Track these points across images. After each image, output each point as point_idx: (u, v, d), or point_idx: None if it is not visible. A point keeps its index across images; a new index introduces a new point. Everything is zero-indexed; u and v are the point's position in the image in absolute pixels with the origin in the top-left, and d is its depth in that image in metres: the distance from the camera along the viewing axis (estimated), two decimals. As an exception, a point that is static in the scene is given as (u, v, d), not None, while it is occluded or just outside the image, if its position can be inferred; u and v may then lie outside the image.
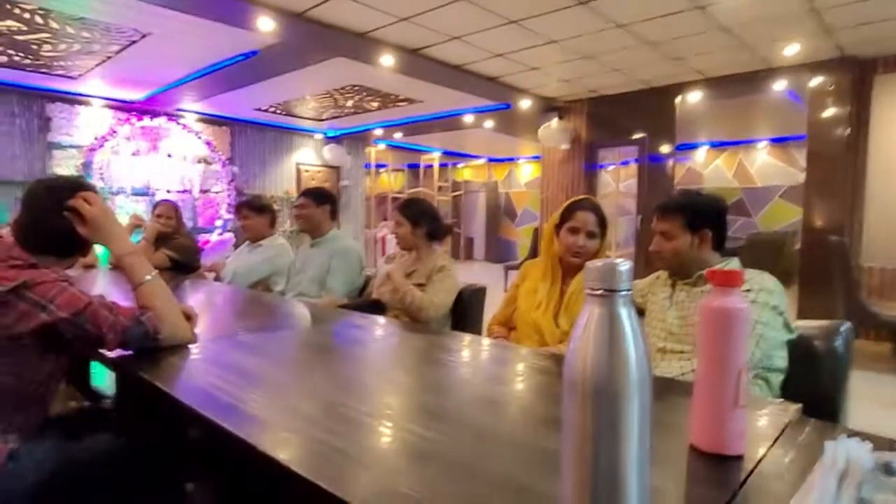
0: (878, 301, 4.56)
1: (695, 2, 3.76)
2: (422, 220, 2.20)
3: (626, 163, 8.21)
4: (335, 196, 2.93)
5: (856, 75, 4.95)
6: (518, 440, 0.88)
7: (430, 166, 11.76)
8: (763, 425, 0.93)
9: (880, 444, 0.71)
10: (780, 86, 5.45)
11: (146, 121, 7.03)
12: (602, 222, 1.77)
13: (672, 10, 3.89)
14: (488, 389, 1.21)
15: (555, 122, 6.51)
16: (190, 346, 1.35)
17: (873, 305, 4.44)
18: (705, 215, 1.59)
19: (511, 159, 12.25)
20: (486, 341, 1.71)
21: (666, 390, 1.16)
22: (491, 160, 12.55)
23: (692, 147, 9.68)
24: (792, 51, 4.75)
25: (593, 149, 6.62)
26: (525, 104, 6.33)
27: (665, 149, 6.46)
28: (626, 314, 0.53)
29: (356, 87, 6.19)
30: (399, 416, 0.97)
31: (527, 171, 12.13)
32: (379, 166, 11.48)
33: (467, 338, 1.67)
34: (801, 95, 5.56)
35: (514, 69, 5.34)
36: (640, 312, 1.74)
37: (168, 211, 3.24)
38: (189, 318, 1.38)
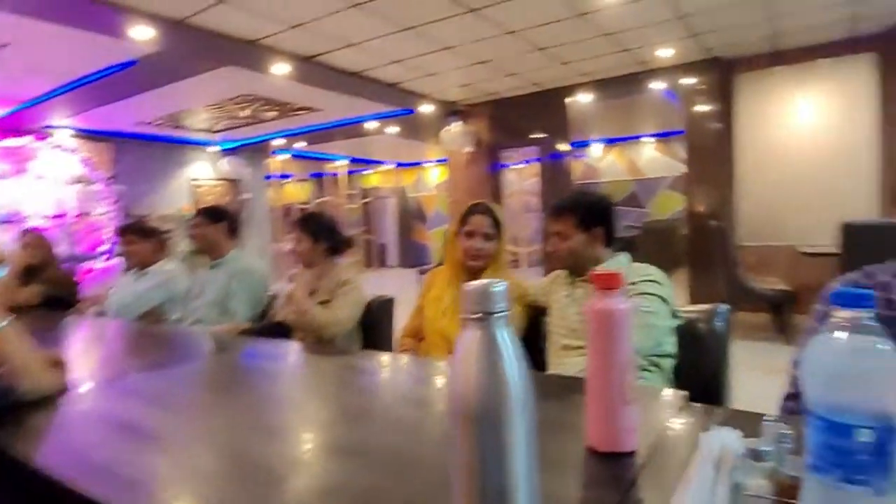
0: (754, 276, 5.04)
1: (576, 10, 3.97)
2: (322, 235, 2.13)
3: (529, 161, 8.51)
4: (233, 213, 2.77)
5: (722, 75, 5.46)
6: (443, 464, 0.85)
7: (337, 174, 11.54)
8: (652, 417, 0.98)
9: (752, 421, 0.76)
10: (658, 86, 5.90)
11: (10, 141, 6.30)
12: (497, 224, 1.80)
13: (556, 18, 4.08)
14: (406, 412, 1.16)
15: (457, 125, 6.62)
16: (62, 397, 1.20)
17: (751, 281, 4.92)
18: (595, 214, 1.67)
19: (419, 163, 12.31)
20: (398, 358, 1.68)
21: (568, 390, 1.19)
22: (399, 165, 12.54)
23: (587, 144, 10.23)
24: (666, 53, 5.15)
25: (496, 150, 6.81)
26: (427, 109, 6.38)
27: (562, 147, 6.78)
28: (504, 336, 0.53)
29: (250, 97, 5.94)
30: (314, 457, 0.91)
31: (435, 175, 12.24)
32: (283, 177, 11.11)
33: (379, 356, 1.63)
34: (677, 94, 6.05)
35: (412, 75, 5.36)
36: (544, 311, 1.79)
37: (35, 240, 2.91)
38: (57, 364, 1.23)
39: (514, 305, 1.78)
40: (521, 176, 9.73)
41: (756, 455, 0.63)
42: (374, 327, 2.15)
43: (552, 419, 1.03)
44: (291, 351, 1.74)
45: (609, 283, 0.81)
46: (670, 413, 0.97)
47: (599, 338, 0.82)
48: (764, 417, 0.67)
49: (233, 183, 8.87)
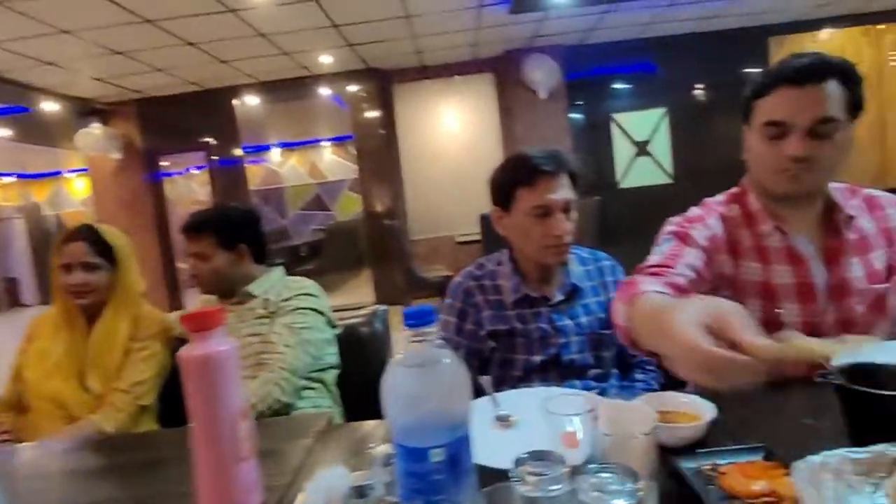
0: (426, 267, 5.66)
1: (226, 5, 3.69)
2: None
3: (200, 168, 7.77)
4: None
5: (381, 84, 5.91)
6: None
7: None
8: (289, 453, 0.89)
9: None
10: (325, 91, 6.04)
11: None
12: (107, 250, 1.45)
13: (202, 11, 3.72)
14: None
15: (96, 127, 5.51)
16: None
17: (423, 271, 5.50)
18: (237, 229, 1.52)
19: (56, 174, 9.93)
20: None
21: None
22: (23, 176, 9.88)
23: (265, 149, 9.91)
24: (327, 60, 5.29)
25: (153, 156, 5.94)
26: (50, 107, 5.13)
27: (234, 152, 6.36)
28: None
29: None
30: None
31: (81, 187, 10.08)
32: None
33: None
34: (344, 100, 6.32)
35: (17, 63, 4.20)
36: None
37: None
38: None
39: (155, 342, 1.49)
40: (197, 183, 8.82)
41: (360, 492, 0.59)
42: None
43: (168, 490, 0.85)
44: None
45: (202, 324, 0.68)
46: (310, 441, 0.90)
47: (199, 390, 0.68)
48: (369, 445, 0.64)
49: None
